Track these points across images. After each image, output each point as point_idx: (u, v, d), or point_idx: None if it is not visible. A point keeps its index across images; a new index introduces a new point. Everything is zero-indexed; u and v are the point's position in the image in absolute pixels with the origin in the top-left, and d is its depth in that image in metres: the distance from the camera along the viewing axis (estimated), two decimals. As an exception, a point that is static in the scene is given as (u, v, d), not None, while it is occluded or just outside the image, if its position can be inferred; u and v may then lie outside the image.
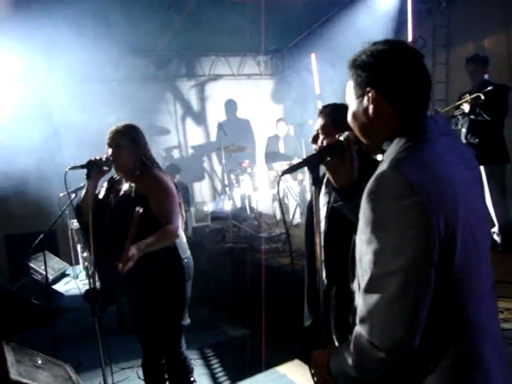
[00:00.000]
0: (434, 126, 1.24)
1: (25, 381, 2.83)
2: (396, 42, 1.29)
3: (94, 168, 2.70)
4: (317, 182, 1.46)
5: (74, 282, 7.39)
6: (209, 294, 5.79)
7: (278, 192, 1.67)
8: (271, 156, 7.93)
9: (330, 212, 2.20)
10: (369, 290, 1.14)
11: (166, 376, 3.01)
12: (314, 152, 1.58)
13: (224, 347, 4.39)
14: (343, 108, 2.17)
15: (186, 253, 2.87)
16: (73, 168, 2.68)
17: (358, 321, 1.18)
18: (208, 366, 4.02)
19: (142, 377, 3.63)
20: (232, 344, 4.46)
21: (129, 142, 2.77)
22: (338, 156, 1.46)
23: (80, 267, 7.81)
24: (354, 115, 1.34)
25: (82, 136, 6.62)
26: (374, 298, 1.12)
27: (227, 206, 6.92)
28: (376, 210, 1.12)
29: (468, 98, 4.60)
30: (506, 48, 5.91)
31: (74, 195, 3.19)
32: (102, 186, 2.92)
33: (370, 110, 1.27)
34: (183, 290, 2.81)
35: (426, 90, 1.27)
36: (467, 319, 1.18)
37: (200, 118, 10.01)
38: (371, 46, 1.29)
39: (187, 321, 2.87)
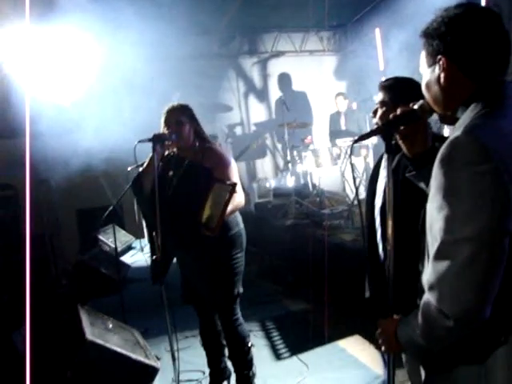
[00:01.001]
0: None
1: (99, 341, 3.01)
2: (469, 6, 1.24)
3: (158, 142, 2.81)
4: (390, 149, 1.46)
5: (140, 255, 7.68)
6: (270, 269, 5.87)
7: (351, 159, 1.67)
8: (335, 133, 7.84)
9: (395, 184, 2.17)
10: (439, 256, 1.12)
11: (224, 342, 3.14)
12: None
13: (284, 321, 4.44)
14: (404, 81, 2.15)
15: (239, 225, 2.98)
16: (141, 141, 2.79)
17: (426, 288, 1.17)
18: (269, 338, 4.09)
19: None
20: (293, 318, 4.51)
21: (188, 118, 2.93)
22: (412, 125, 1.44)
23: (145, 240, 8.09)
24: (427, 85, 1.32)
25: (147, 113, 6.80)
26: (444, 264, 1.11)
27: (289, 183, 6.93)
28: (449, 175, 1.11)
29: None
30: None
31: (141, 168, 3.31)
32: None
33: (442, 79, 1.25)
34: (236, 260, 2.92)
35: (504, 54, 1.22)
36: None
37: (262, 95, 10.01)
38: (442, 12, 1.25)
39: (240, 289, 2.98)
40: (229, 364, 3.19)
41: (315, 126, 9.11)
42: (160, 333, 4.11)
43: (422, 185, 1.46)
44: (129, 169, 4.08)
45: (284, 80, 9.99)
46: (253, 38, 9.86)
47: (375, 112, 2.18)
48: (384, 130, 1.51)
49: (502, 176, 1.05)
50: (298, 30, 9.90)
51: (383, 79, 2.28)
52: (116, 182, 6.97)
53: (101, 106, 6.56)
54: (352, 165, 2.21)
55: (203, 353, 3.27)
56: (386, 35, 8.41)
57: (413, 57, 1.37)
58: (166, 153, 3.00)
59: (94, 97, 6.71)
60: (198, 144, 2.94)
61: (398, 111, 1.46)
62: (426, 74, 1.32)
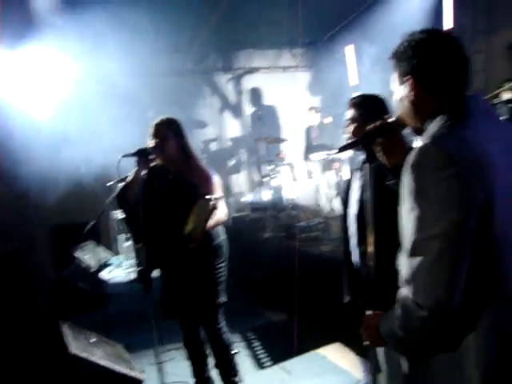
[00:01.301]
0: (474, 104, 1.34)
1: (83, 355, 3.04)
2: (431, 32, 1.40)
3: (143, 156, 2.88)
4: (370, 159, 1.58)
5: (117, 271, 7.65)
6: (250, 281, 5.94)
7: (339, 171, 1.78)
8: (311, 147, 8.00)
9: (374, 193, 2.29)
10: (412, 253, 1.25)
11: (207, 352, 3.21)
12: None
13: (265, 331, 4.53)
14: (371, 98, 2.31)
15: (222, 236, 3.06)
16: (125, 156, 2.85)
17: (402, 282, 1.28)
18: (250, 348, 4.17)
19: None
20: (273, 328, 4.60)
21: (173, 134, 2.99)
22: (388, 137, 1.59)
23: (122, 256, 8.07)
24: (399, 101, 1.47)
25: (123, 129, 6.85)
26: (417, 260, 1.23)
27: (266, 197, 7.04)
28: (418, 180, 1.24)
29: (507, 86, 4.57)
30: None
31: (121, 184, 3.35)
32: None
33: (410, 96, 1.41)
34: (220, 270, 3.00)
35: (463, 75, 1.38)
36: (507, 280, 1.26)
37: (237, 111, 10.16)
38: (409, 37, 1.41)
39: (224, 298, 3.04)
40: (212, 374, 3.25)
41: (290, 141, 9.26)
42: (142, 347, 4.13)
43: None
44: (109, 184, 4.11)
45: (258, 95, 10.16)
46: (227, 54, 10.03)
47: (347, 127, 2.32)
48: (363, 141, 1.67)
49: (465, 179, 1.19)
50: (271, 47, 10.12)
51: (352, 96, 2.42)
52: (94, 197, 6.95)
53: (79, 121, 6.59)
54: (341, 174, 2.33)
55: (186, 365, 3.31)
56: (358, 51, 8.67)
57: (384, 72, 1.51)
58: (152, 164, 3.05)
59: (72, 112, 6.73)
60: (183, 159, 3.00)
61: (377, 124, 1.59)
62: (397, 91, 1.47)
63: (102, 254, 7.79)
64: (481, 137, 1.27)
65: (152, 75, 8.26)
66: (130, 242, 7.56)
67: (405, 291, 1.27)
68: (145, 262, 2.72)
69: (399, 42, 1.44)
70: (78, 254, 7.07)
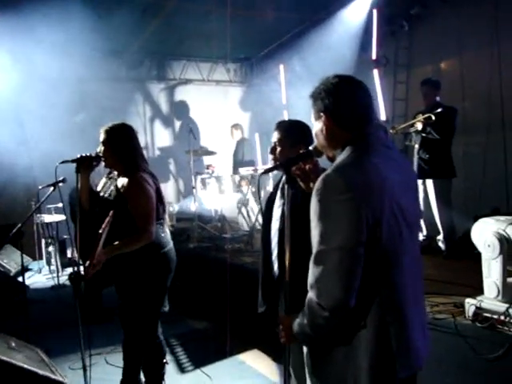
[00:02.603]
0: (376, 140, 1.62)
1: (3, 358, 3.01)
2: (341, 77, 1.69)
3: (83, 163, 2.91)
4: (290, 181, 1.82)
5: (37, 277, 7.47)
6: (173, 290, 6.01)
7: (259, 189, 2.01)
8: (238, 162, 8.27)
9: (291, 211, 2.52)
10: (316, 262, 1.50)
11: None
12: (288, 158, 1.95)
13: (188, 338, 4.66)
14: (296, 124, 2.55)
15: (167, 246, 3.03)
16: (63, 162, 2.90)
17: (308, 287, 1.53)
18: (173, 353, 4.29)
19: (110, 363, 3.90)
20: (196, 335, 4.76)
21: (111, 142, 2.94)
22: (306, 162, 1.88)
23: (43, 262, 7.87)
24: (316, 134, 1.74)
25: (52, 133, 6.76)
26: (319, 268, 1.49)
27: (193, 208, 7.17)
28: (321, 202, 1.50)
29: (421, 117, 5.05)
30: (459, 72, 6.43)
31: (51, 188, 3.37)
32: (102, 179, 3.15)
33: (324, 130, 1.68)
34: (163, 281, 3.01)
35: (368, 113, 1.66)
36: (392, 286, 1.54)
37: (168, 121, 10.22)
38: (325, 80, 1.69)
39: (166, 308, 3.08)
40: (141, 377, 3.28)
41: (219, 154, 9.45)
42: (62, 352, 4.14)
43: None
44: (40, 187, 4.11)
45: (189, 107, 10.28)
46: (162, 64, 10.10)
47: (273, 150, 2.55)
48: (284, 166, 1.95)
49: (356, 203, 1.45)
50: (206, 60, 10.30)
51: (280, 120, 2.65)
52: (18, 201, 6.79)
53: (7, 123, 6.44)
54: (260, 194, 2.54)
55: (111, 369, 3.37)
56: (289, 71, 9.06)
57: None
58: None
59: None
60: (124, 167, 2.95)
61: (299, 152, 1.84)
62: (315, 125, 1.73)
63: (22, 258, 7.55)
64: (380, 167, 1.53)
65: (84, 79, 8.15)
66: (51, 248, 7.41)
67: (310, 295, 1.52)
68: (80, 267, 2.72)
69: (318, 84, 1.70)
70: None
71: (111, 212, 2.76)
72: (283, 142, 2.50)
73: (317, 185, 1.52)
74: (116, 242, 2.77)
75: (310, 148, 1.86)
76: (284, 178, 2.16)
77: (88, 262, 2.62)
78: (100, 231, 2.65)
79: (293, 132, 2.51)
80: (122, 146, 2.96)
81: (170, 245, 3.08)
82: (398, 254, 1.55)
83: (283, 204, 2.47)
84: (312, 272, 1.51)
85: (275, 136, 2.54)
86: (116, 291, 3.12)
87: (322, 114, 1.66)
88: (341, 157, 1.60)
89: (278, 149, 2.51)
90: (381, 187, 1.50)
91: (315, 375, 1.67)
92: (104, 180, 3.15)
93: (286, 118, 8.84)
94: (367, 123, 1.64)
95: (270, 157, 2.57)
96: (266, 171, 1.98)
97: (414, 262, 1.64)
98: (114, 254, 2.76)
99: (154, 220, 2.89)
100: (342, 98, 1.64)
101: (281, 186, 2.54)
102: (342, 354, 1.56)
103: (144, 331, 3.05)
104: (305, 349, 1.73)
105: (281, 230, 2.45)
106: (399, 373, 1.53)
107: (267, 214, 2.61)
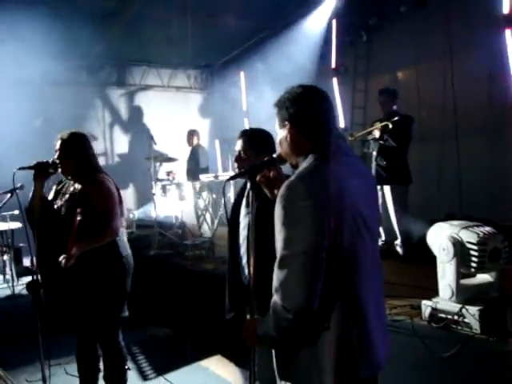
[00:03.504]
0: (337, 148, 1.68)
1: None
2: (305, 87, 1.74)
3: (41, 170, 2.89)
4: (255, 187, 1.85)
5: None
6: (133, 297, 5.94)
7: (224, 196, 2.04)
8: (192, 169, 8.25)
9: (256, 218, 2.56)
10: (279, 266, 1.54)
11: (100, 366, 3.17)
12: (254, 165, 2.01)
13: (149, 345, 4.61)
14: (260, 132, 2.60)
15: (126, 250, 3.08)
16: (21, 168, 2.86)
17: (273, 291, 1.56)
18: (135, 361, 4.24)
19: (70, 373, 3.83)
20: (157, 342, 4.72)
21: (72, 149, 2.96)
22: (270, 169, 1.93)
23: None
24: (280, 141, 1.79)
25: (9, 137, 6.60)
26: (283, 272, 1.53)
27: (153, 215, 7.11)
28: (285, 208, 1.55)
29: (378, 125, 5.19)
30: (416, 81, 6.64)
31: (9, 195, 3.31)
32: (52, 188, 3.10)
33: (288, 138, 1.72)
34: (122, 285, 3.02)
35: (329, 122, 1.72)
36: (353, 289, 1.59)
37: (128, 127, 10.12)
38: (290, 89, 1.74)
39: (126, 313, 3.07)
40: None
41: (179, 161, 9.40)
42: (19, 364, 4.04)
43: None
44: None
45: (149, 113, 10.19)
46: (122, 69, 10.03)
47: (237, 158, 2.57)
48: (249, 173, 2.00)
49: (319, 209, 1.50)
50: (166, 66, 10.29)
51: (243, 129, 2.68)
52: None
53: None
54: (225, 201, 2.57)
55: (71, 380, 3.30)
56: (249, 78, 9.14)
57: (273, 100, 1.82)
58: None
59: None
60: (82, 174, 2.97)
61: (263, 159, 1.88)
62: (279, 133, 1.78)
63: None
64: (341, 174, 1.59)
65: (43, 83, 8.00)
66: (6, 256, 7.18)
67: (275, 298, 1.55)
68: (38, 275, 2.71)
69: (283, 92, 1.74)
70: None
71: (78, 212, 2.77)
72: (248, 151, 2.53)
73: (281, 191, 1.56)
74: (87, 240, 2.81)
75: (274, 156, 1.90)
76: (249, 185, 2.20)
77: (63, 256, 2.67)
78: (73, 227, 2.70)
79: (257, 140, 2.55)
80: (78, 153, 2.99)
81: (129, 250, 3.13)
82: (359, 258, 1.60)
83: (248, 212, 2.51)
84: (276, 276, 1.55)
85: (239, 144, 2.57)
86: (74, 298, 3.07)
87: (286, 122, 1.71)
88: (303, 165, 1.65)
89: (243, 157, 2.54)
90: (341, 194, 1.56)
91: (283, 377, 1.71)
92: (54, 189, 3.11)
93: (247, 125, 8.99)
94: (329, 132, 1.70)
95: (235, 165, 2.60)
96: (232, 178, 2.01)
97: (375, 265, 1.70)
98: (84, 250, 2.78)
99: (118, 216, 2.96)
100: (305, 107, 1.69)
101: (246, 193, 2.57)
102: (307, 356, 1.60)
103: (105, 338, 3.04)
104: (273, 352, 1.76)
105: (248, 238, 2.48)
106: (361, 373, 1.58)
107: (233, 221, 2.62)
